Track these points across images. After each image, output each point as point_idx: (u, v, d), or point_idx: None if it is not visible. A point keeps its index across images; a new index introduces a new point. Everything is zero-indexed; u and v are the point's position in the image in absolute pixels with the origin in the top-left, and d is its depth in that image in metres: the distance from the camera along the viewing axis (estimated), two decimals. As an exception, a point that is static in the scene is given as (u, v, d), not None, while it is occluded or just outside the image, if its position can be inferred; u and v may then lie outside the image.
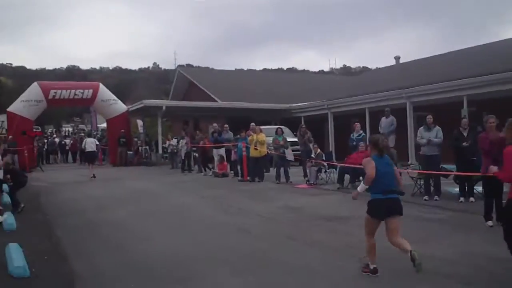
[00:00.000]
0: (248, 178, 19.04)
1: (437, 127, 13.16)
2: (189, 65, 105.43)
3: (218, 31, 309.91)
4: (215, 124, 23.84)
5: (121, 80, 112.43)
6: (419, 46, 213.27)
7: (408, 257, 6.26)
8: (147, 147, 33.06)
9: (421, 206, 12.02)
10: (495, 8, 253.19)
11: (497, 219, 7.77)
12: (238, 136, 20.94)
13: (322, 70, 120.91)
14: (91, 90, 32.21)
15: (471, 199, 12.10)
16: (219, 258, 7.74)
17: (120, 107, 33.17)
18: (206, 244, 8.74)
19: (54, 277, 7.03)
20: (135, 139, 33.69)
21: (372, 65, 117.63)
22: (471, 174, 11.20)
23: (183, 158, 24.71)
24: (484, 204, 9.58)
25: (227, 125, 23.25)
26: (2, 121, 41.25)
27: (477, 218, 9.67)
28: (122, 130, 31.44)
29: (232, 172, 21.45)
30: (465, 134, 12.34)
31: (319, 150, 18.20)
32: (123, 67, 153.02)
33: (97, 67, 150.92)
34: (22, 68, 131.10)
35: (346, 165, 15.88)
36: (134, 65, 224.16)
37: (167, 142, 29.04)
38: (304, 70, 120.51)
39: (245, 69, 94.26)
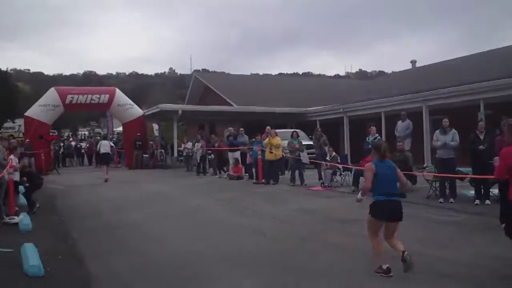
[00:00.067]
0: (263, 180, 19.04)
1: (453, 130, 13.10)
2: (205, 70, 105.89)
3: (234, 36, 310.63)
4: (230, 128, 23.90)
5: (137, 85, 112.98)
6: (435, 50, 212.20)
7: (418, 259, 6.23)
8: (163, 150, 33.17)
9: (436, 209, 11.96)
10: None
11: (501, 221, 7.70)
12: (254, 139, 20.95)
13: (338, 75, 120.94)
14: (107, 95, 32.46)
15: (487, 202, 12.01)
16: (234, 260, 7.75)
17: (136, 111, 33.36)
18: (221, 246, 8.75)
19: (69, 276, 7.09)
20: (151, 142, 33.81)
21: (388, 69, 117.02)
22: (487, 177, 11.09)
23: (198, 161, 24.77)
24: (500, 206, 9.49)
25: (242, 129, 23.29)
26: (20, 125, 41.75)
27: (493, 221, 9.56)
28: (138, 134, 31.60)
29: (247, 174, 21.46)
30: (481, 137, 12.31)
31: (334, 153, 18.17)
32: (139, 72, 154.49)
33: (114, 73, 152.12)
34: (40, 74, 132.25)
35: (361, 168, 15.82)
36: (150, 70, 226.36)
37: (183, 146, 29.13)
38: (319, 75, 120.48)
39: (261, 73, 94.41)
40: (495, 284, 6.33)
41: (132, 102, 33.68)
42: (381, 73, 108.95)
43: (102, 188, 19.72)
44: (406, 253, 6.41)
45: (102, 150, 23.85)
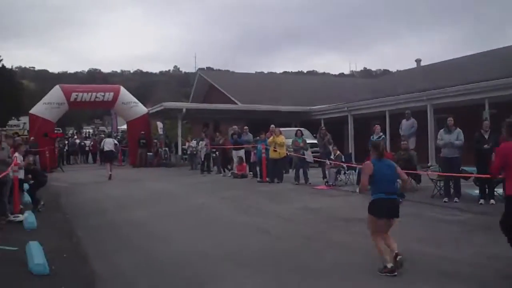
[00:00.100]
0: (267, 179, 19.03)
1: (458, 130, 13.08)
2: (209, 68, 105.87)
3: (239, 34, 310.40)
4: (234, 126, 23.90)
5: (142, 83, 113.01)
6: (440, 49, 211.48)
7: (422, 258, 6.23)
8: (167, 148, 33.17)
9: (441, 208, 11.96)
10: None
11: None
12: (258, 138, 20.94)
13: (343, 73, 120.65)
14: (112, 93, 32.46)
15: (492, 201, 11.98)
16: (238, 259, 7.76)
17: (141, 109, 33.37)
18: (225, 245, 8.76)
19: (73, 275, 7.12)
20: (155, 141, 33.84)
21: (392, 68, 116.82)
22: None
23: (202, 159, 24.78)
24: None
25: (246, 127, 23.28)
26: (24, 123, 41.82)
27: (497, 220, 9.51)
28: (142, 132, 31.62)
29: (251, 173, 21.46)
30: (486, 136, 12.29)
31: (338, 152, 18.16)
32: (144, 70, 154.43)
33: (118, 70, 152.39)
34: (45, 71, 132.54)
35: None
36: (155, 68, 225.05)
37: (187, 144, 29.12)
38: (324, 73, 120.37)
39: (265, 72, 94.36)
40: (498, 283, 6.34)
41: (136, 100, 33.69)
42: (386, 71, 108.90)
43: (107, 186, 19.75)
44: (400, 257, 6.50)
45: (106, 148, 24.04)
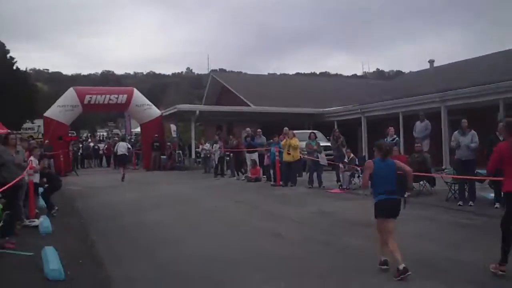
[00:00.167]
0: (280, 182, 19.02)
1: (472, 132, 12.99)
2: (222, 70, 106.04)
3: (252, 35, 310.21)
4: (248, 129, 23.91)
5: (155, 85, 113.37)
6: (454, 50, 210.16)
7: (435, 262, 6.21)
8: (180, 151, 33.23)
9: (456, 211, 11.91)
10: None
11: None
12: (271, 140, 20.94)
13: (355, 74, 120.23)
14: (125, 95, 32.52)
15: (507, 204, 11.87)
16: (252, 263, 7.75)
17: (154, 112, 33.43)
18: (239, 249, 8.77)
19: (89, 280, 7.12)
20: (168, 144, 33.92)
21: (406, 69, 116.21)
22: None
23: (216, 162, 24.80)
24: None
25: (260, 130, 23.30)
26: (39, 126, 42.05)
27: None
28: (156, 135, 31.70)
29: (264, 176, 21.45)
30: (501, 138, 12.15)
31: (352, 155, 18.12)
32: (157, 72, 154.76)
33: (131, 72, 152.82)
34: (58, 73, 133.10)
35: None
36: (167, 70, 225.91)
37: (200, 147, 29.16)
38: (337, 74, 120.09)
39: (278, 73, 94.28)
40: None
41: (150, 103, 33.73)
42: (399, 72, 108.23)
43: (121, 189, 19.81)
44: (404, 267, 6.50)
45: (119, 152, 24.26)
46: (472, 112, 19.77)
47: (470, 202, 12.58)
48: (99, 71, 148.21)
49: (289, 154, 18.66)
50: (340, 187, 17.18)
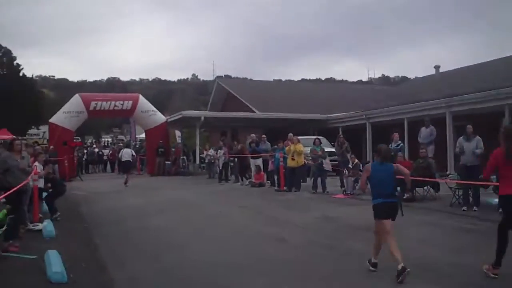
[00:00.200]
0: (284, 188, 19.01)
1: (477, 137, 12.97)
2: (227, 76, 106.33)
3: (257, 42, 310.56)
4: (252, 135, 23.92)
5: (160, 91, 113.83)
6: (459, 55, 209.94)
7: (439, 266, 6.20)
8: (185, 157, 33.27)
9: (460, 217, 11.88)
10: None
11: None
12: (276, 146, 20.94)
13: (361, 80, 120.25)
14: (130, 102, 32.62)
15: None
16: (256, 268, 7.74)
17: (159, 118, 33.52)
18: (243, 254, 8.76)
19: (92, 283, 7.14)
20: (173, 149, 33.97)
21: (411, 75, 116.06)
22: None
23: (220, 168, 24.81)
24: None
25: (264, 136, 23.33)
26: (44, 132, 42.20)
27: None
28: (161, 141, 31.77)
29: (269, 182, 21.44)
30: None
31: (356, 160, 18.10)
32: (162, 78, 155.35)
33: (137, 79, 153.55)
34: (64, 80, 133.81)
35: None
36: (173, 77, 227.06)
37: (205, 153, 29.20)
38: (342, 80, 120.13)
39: (283, 79, 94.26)
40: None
41: (155, 109, 33.85)
42: (404, 78, 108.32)
43: (125, 194, 19.83)
44: (402, 266, 6.56)
45: (124, 158, 24.51)
46: (477, 118, 19.72)
47: (474, 207, 12.54)
48: (105, 78, 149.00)
49: (293, 159, 18.66)
50: (344, 193, 17.16)
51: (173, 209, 15.20)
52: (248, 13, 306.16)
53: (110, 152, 40.07)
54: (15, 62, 49.28)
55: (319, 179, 18.16)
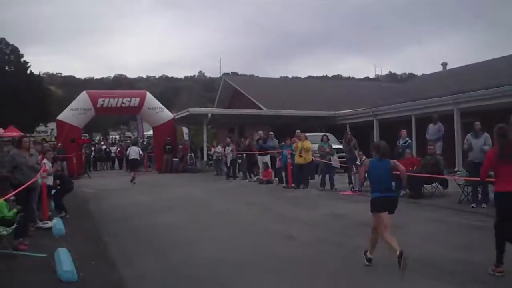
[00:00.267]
0: (292, 185, 19.00)
1: (486, 134, 12.91)
2: (234, 73, 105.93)
3: (264, 39, 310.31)
4: (260, 132, 23.91)
5: (167, 88, 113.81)
6: (467, 52, 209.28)
7: (447, 263, 6.20)
8: (192, 154, 33.29)
9: (468, 214, 11.84)
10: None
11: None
12: (283, 143, 20.93)
13: (368, 77, 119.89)
14: (138, 99, 32.68)
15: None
16: (264, 265, 7.76)
17: (166, 115, 33.58)
18: (250, 251, 8.78)
19: (101, 281, 7.17)
20: (180, 147, 33.99)
21: (418, 72, 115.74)
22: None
23: (228, 165, 24.82)
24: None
25: (272, 133, 23.31)
26: (52, 129, 42.34)
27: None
28: (168, 138, 31.80)
29: (276, 179, 21.44)
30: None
31: (364, 157, 18.02)
32: (169, 75, 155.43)
33: (144, 76, 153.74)
34: (71, 77, 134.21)
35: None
36: (180, 74, 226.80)
37: (212, 149, 29.20)
38: (349, 77, 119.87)
39: (290, 76, 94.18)
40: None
41: (162, 106, 33.91)
42: (412, 75, 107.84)
43: (133, 192, 19.88)
44: (400, 251, 6.75)
45: (131, 156, 24.67)
46: (485, 114, 19.61)
47: (483, 204, 12.47)
48: (112, 75, 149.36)
49: (301, 156, 18.63)
50: (352, 189, 17.13)
51: (181, 206, 15.23)
52: (254, 10, 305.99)
53: (118, 149, 40.09)
54: (22, 60, 49.50)
55: (327, 176, 18.15)
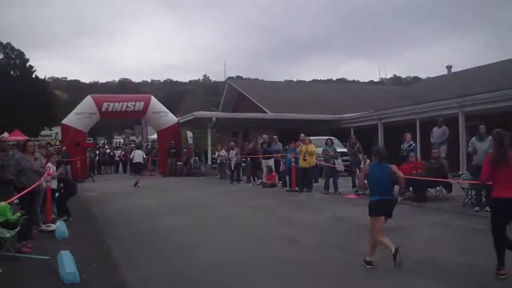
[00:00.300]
0: (296, 188, 18.98)
1: (490, 137, 12.81)
2: (238, 77, 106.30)
3: (268, 42, 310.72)
4: (264, 135, 23.91)
5: (172, 92, 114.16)
6: (467, 53, 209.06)
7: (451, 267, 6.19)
8: (197, 157, 33.31)
9: (472, 217, 11.82)
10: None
11: None
12: (287, 147, 20.92)
13: (372, 80, 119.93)
14: (142, 103, 32.69)
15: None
16: (268, 269, 7.75)
17: (171, 119, 33.59)
18: (254, 255, 8.77)
19: (104, 284, 7.17)
20: (184, 150, 34.02)
21: (423, 75, 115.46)
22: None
23: (232, 168, 24.82)
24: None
25: (276, 136, 23.31)
26: (57, 133, 42.46)
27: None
28: (172, 142, 31.81)
29: (280, 182, 21.42)
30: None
31: (368, 161, 18.00)
32: (174, 79, 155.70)
33: (149, 80, 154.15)
34: (76, 81, 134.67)
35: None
36: (184, 78, 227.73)
37: (216, 153, 29.22)
38: (354, 81, 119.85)
39: (295, 80, 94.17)
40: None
41: (166, 110, 33.91)
42: (416, 78, 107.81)
43: (137, 195, 19.87)
44: (395, 248, 7.04)
45: (135, 160, 24.83)
46: (490, 117, 19.55)
47: (487, 208, 12.40)
48: (117, 79, 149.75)
49: (305, 160, 18.62)
50: (356, 193, 17.08)
51: (185, 210, 15.24)
52: (258, 14, 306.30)
53: (122, 153, 40.15)
54: (27, 64, 49.67)
55: (331, 180, 18.13)
